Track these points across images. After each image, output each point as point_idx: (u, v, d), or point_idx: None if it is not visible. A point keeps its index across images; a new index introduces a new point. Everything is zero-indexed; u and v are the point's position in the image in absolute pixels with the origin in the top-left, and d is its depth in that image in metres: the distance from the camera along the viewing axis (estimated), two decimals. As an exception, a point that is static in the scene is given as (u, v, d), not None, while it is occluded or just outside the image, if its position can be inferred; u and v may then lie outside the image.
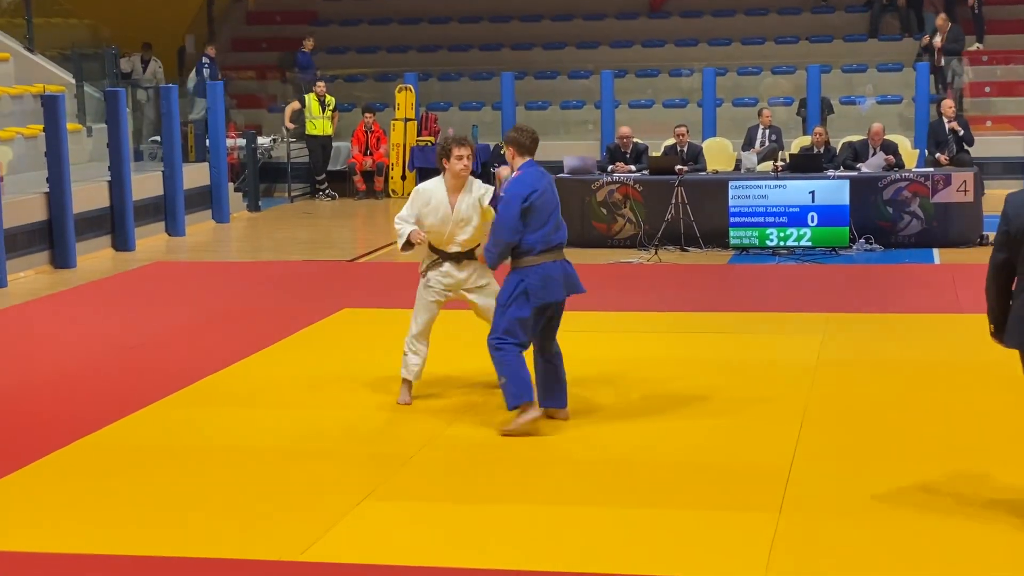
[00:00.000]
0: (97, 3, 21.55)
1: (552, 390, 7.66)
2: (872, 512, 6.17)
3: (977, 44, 20.77)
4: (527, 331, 7.44)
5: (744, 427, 7.61)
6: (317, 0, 25.35)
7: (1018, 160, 18.77)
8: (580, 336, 9.51)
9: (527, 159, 7.53)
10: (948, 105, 17.37)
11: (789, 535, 5.88)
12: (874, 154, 14.81)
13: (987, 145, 18.55)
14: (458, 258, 8.00)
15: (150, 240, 15.98)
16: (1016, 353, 6.02)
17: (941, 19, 19.67)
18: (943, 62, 19.41)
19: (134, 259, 14.80)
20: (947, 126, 17.03)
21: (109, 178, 15.50)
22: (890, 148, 14.92)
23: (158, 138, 17.52)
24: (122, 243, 15.42)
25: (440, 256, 8.03)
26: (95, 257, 14.81)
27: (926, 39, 19.76)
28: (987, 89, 20.51)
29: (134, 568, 5.75)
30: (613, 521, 6.14)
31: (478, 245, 7.91)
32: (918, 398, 8.10)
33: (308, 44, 22.07)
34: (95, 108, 17.77)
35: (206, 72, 20.99)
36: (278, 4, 25.39)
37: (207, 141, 18.06)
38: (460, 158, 7.86)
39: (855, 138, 15.83)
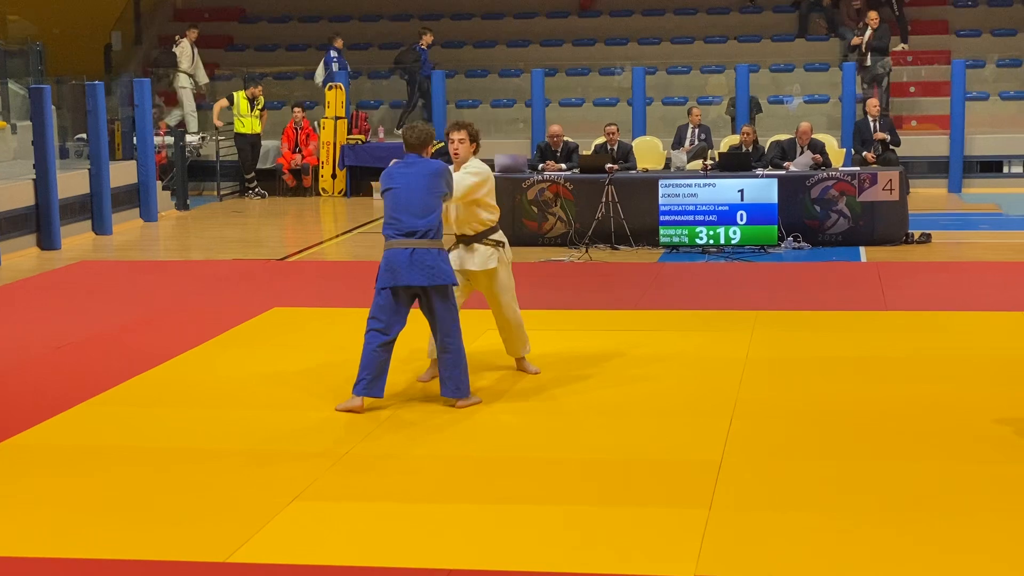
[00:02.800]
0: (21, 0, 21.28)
1: (444, 380, 7.92)
2: (802, 507, 6.22)
3: (902, 44, 21.05)
4: (385, 314, 7.76)
5: (674, 423, 7.65)
6: (246, -3, 25.19)
7: (942, 159, 19.04)
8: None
9: (410, 154, 7.87)
10: (873, 104, 17.58)
11: (719, 530, 5.92)
12: (801, 153, 14.96)
13: (912, 145, 18.81)
14: (467, 241, 8.31)
15: (76, 239, 15.78)
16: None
17: (873, 16, 19.85)
18: (869, 60, 19.62)
19: (59, 258, 14.61)
20: (871, 124, 17.24)
21: (34, 176, 15.29)
22: (817, 147, 15.08)
23: (84, 135, 17.32)
24: (47, 242, 15.21)
25: (456, 239, 8.37)
26: (19, 256, 14.60)
27: (856, 39, 19.94)
28: (912, 89, 20.79)
29: (56, 571, 5.66)
30: (543, 518, 6.14)
31: (488, 229, 8.24)
32: (846, 394, 8.18)
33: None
34: (21, 105, 17.53)
35: (335, 66, 20.59)
36: (206, 1, 25.18)
37: (134, 139, 17.87)
38: (452, 142, 8.30)
39: (783, 137, 15.97)
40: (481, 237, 8.32)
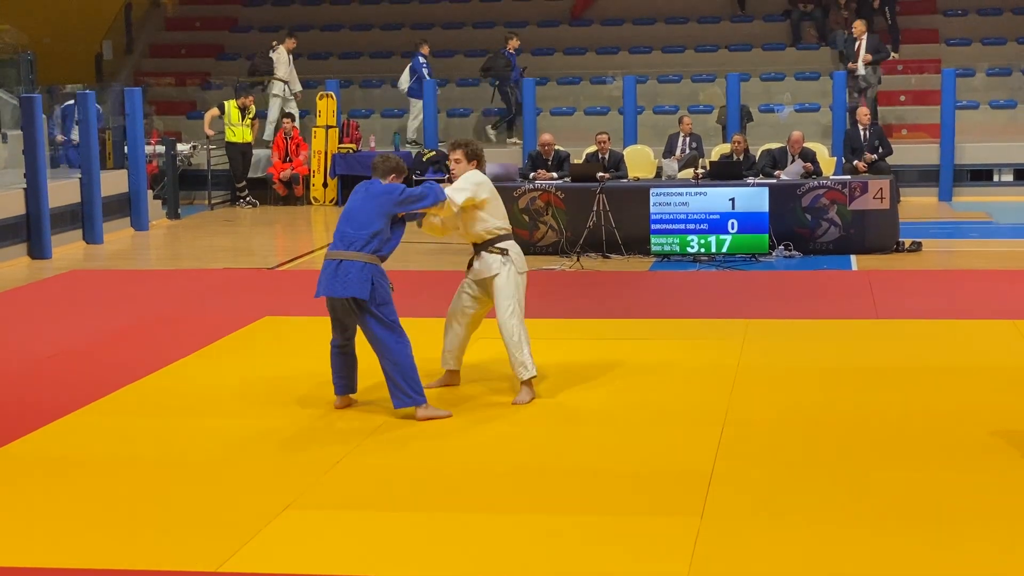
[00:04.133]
0: (12, 8, 21.25)
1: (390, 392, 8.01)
2: (793, 515, 6.23)
3: (893, 53, 21.09)
4: (333, 323, 8.07)
5: (665, 432, 7.66)
6: (237, 6, 25.19)
7: (933, 168, 19.08)
8: (501, 343, 9.51)
9: (374, 179, 8.05)
10: (863, 113, 17.60)
11: (711, 539, 5.92)
12: (792, 161, 14.98)
13: (902, 153, 18.85)
14: (476, 249, 8.41)
15: (67, 248, 15.76)
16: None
17: (859, 26, 19.85)
18: (862, 69, 19.61)
19: (50, 267, 14.58)
20: (861, 133, 17.28)
21: (25, 185, 15.26)
22: (808, 156, 15.11)
23: (61, 137, 17.29)
24: (38, 251, 15.18)
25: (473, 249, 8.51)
26: (10, 265, 14.57)
27: (853, 65, 19.78)
28: (902, 98, 20.83)
29: (50, 581, 5.66)
30: (535, 528, 6.14)
31: (495, 237, 8.30)
32: (837, 402, 8.19)
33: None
34: (11, 114, 17.52)
35: (425, 71, 20.34)
36: (197, 10, 25.19)
37: (125, 148, 17.85)
38: (450, 161, 8.44)
39: (774, 145, 16.01)
40: (488, 245, 8.33)
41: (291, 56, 21.10)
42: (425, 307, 10.50)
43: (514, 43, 20.81)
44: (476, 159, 8.33)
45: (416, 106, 20.48)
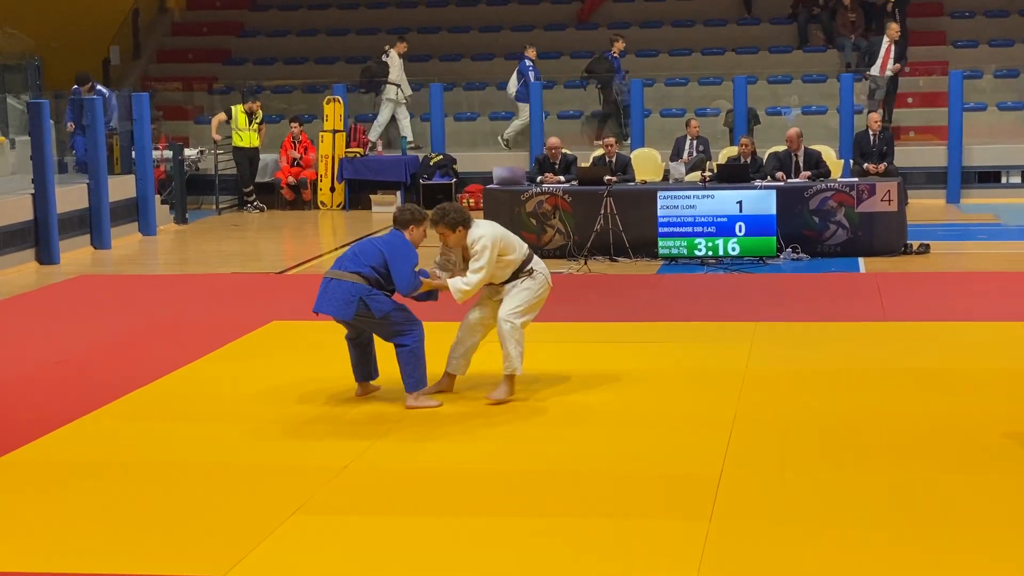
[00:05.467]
0: (19, 14, 21.28)
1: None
2: (802, 519, 6.21)
3: (896, 64, 21.02)
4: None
5: (673, 436, 7.64)
6: (244, 11, 25.22)
7: (941, 170, 19.05)
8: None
9: (394, 229, 8.31)
10: (874, 119, 17.60)
11: (720, 543, 5.90)
12: (794, 161, 14.98)
13: (910, 155, 18.82)
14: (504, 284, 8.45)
15: (75, 253, 15.78)
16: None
17: (894, 27, 19.80)
18: (889, 71, 19.54)
19: (58, 272, 14.61)
20: (871, 138, 17.26)
21: (32, 191, 15.29)
22: (813, 157, 15.07)
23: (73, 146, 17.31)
24: (46, 256, 15.21)
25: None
26: (18, 271, 14.59)
27: (884, 70, 19.70)
28: (910, 100, 20.79)
29: (58, 586, 5.66)
30: (543, 531, 6.13)
31: (520, 266, 8.34)
32: (846, 405, 8.17)
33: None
34: (19, 120, 17.54)
35: (531, 75, 20.18)
36: (204, 15, 25.22)
37: (133, 153, 17.87)
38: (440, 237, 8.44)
39: (781, 148, 15.98)
40: (516, 275, 8.34)
41: (403, 60, 20.98)
42: (429, 309, 10.47)
43: (619, 45, 20.62)
44: (461, 224, 8.15)
45: (524, 110, 20.18)
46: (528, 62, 20.37)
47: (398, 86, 20.79)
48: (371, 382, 8.54)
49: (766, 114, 20.40)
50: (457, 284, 8.15)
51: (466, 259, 8.26)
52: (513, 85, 20.47)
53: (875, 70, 19.51)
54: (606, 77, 20.61)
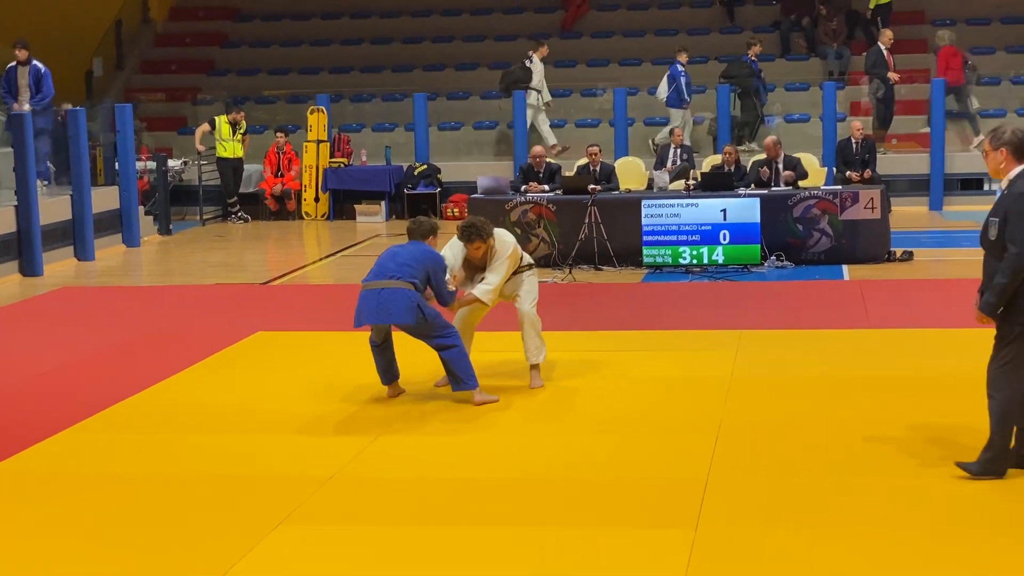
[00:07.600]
0: (0, 25, 21.22)
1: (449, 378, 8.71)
2: (788, 525, 6.23)
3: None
4: (373, 332, 8.63)
5: (659, 443, 7.65)
6: (227, 22, 25.19)
7: (923, 178, 19.12)
8: (495, 356, 9.54)
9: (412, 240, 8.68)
10: (856, 127, 17.66)
11: (705, 550, 5.91)
12: (775, 168, 15.04)
13: (893, 163, 18.88)
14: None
15: (58, 265, 15.73)
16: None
17: (887, 36, 19.90)
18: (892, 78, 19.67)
19: (42, 284, 14.56)
20: (854, 147, 17.33)
21: (15, 202, 15.24)
22: (791, 163, 15.15)
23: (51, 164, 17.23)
24: (29, 268, 15.17)
25: None
26: (1, 283, 14.55)
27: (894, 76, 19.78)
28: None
29: (44, 599, 5.64)
30: (529, 540, 6.13)
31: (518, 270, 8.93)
32: (830, 412, 8.19)
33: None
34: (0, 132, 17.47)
35: (683, 80, 19.56)
36: (187, 26, 25.19)
37: (116, 164, 17.84)
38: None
39: (764, 156, 16.02)
40: (517, 272, 8.98)
41: (544, 65, 20.64)
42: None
43: (756, 49, 20.27)
44: (491, 234, 8.70)
45: (676, 116, 19.67)
46: (680, 67, 19.69)
47: (538, 91, 20.44)
48: (397, 382, 8.86)
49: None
50: (483, 290, 8.68)
51: (471, 262, 8.76)
52: (663, 90, 19.82)
53: (891, 76, 19.61)
54: (746, 83, 20.12)
